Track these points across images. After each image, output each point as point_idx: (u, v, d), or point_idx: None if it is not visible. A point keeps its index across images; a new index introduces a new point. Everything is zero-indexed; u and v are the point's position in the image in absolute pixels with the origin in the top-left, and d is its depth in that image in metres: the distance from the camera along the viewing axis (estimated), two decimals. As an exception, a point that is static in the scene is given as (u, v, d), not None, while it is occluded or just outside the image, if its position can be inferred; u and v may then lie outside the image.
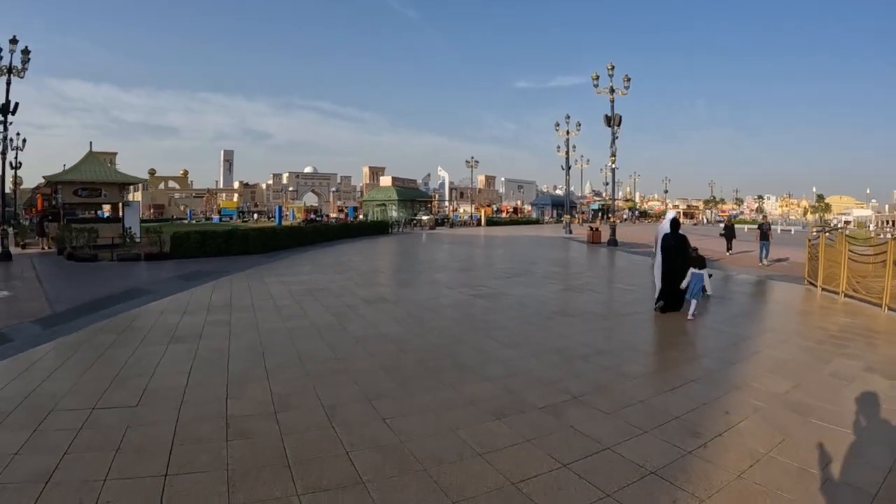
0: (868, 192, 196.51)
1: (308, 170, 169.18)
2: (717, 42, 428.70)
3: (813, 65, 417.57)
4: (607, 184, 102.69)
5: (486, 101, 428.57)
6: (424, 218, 76.67)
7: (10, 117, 31.42)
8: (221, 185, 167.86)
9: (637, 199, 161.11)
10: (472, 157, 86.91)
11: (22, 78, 31.19)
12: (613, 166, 40.88)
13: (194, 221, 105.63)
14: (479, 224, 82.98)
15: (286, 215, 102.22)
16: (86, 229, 33.15)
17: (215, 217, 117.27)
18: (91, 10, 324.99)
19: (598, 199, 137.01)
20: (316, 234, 44.42)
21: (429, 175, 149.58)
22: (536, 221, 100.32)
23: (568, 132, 59.44)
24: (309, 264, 27.22)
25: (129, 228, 34.78)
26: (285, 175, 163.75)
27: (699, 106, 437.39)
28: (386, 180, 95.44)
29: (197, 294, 17.61)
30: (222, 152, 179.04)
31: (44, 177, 40.13)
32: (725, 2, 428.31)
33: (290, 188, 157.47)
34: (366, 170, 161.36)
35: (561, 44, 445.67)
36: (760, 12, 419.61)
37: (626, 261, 29.72)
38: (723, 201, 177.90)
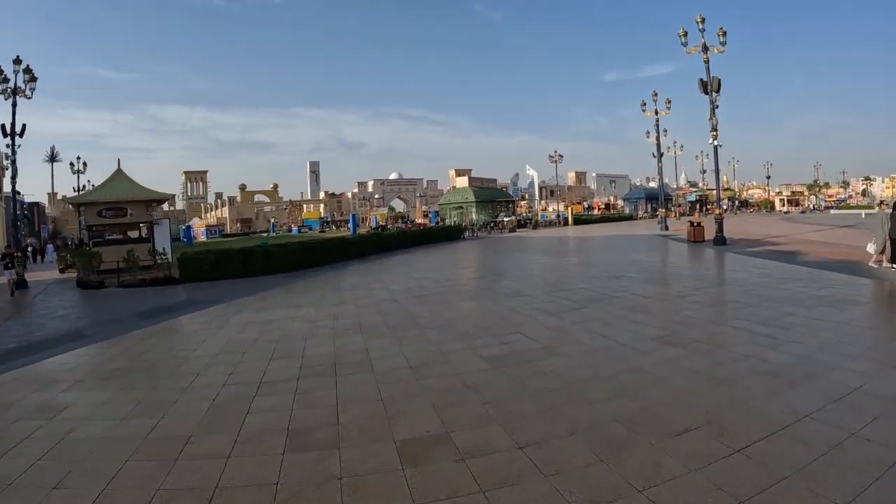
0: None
1: (393, 176, 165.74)
2: (812, 15, 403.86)
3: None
4: (704, 172, 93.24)
5: (577, 97, 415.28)
6: (505, 220, 69.11)
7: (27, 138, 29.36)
8: (308, 196, 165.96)
9: (736, 188, 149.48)
10: (556, 151, 79.08)
11: (29, 98, 29.25)
12: (716, 143, 32.26)
13: (274, 234, 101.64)
14: (565, 223, 74.59)
15: (367, 221, 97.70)
16: (87, 253, 30.58)
17: (295, 229, 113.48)
18: (184, 37, 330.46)
19: (694, 189, 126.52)
20: (366, 245, 37.99)
21: (517, 174, 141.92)
22: (629, 217, 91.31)
23: (657, 111, 50.58)
24: (321, 290, 21.60)
25: (132, 251, 29.12)
26: (370, 183, 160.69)
27: (796, 84, 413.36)
28: (462, 181, 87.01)
29: (111, 348, 13.35)
30: (308, 164, 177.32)
31: (63, 198, 36.15)
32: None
33: (376, 196, 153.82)
34: (452, 173, 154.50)
35: (646, 32, 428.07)
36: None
37: (748, 270, 20.87)
38: (827, 185, 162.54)
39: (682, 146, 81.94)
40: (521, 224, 70.87)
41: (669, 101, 50.67)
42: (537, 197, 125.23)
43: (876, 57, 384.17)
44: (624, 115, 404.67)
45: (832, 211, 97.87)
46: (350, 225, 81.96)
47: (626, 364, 9.09)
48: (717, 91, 31.24)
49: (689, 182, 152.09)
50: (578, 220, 77.20)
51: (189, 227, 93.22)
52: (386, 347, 11.19)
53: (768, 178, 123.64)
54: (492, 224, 66.97)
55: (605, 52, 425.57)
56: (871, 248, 20.02)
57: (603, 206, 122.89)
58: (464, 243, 46.13)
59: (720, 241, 30.54)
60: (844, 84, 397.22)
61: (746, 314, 12.46)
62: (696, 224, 34.13)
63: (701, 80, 31.38)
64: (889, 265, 18.85)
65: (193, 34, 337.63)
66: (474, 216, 72.38)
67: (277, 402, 8.23)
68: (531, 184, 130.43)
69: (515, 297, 16.57)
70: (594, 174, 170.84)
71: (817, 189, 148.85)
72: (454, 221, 69.64)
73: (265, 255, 28.67)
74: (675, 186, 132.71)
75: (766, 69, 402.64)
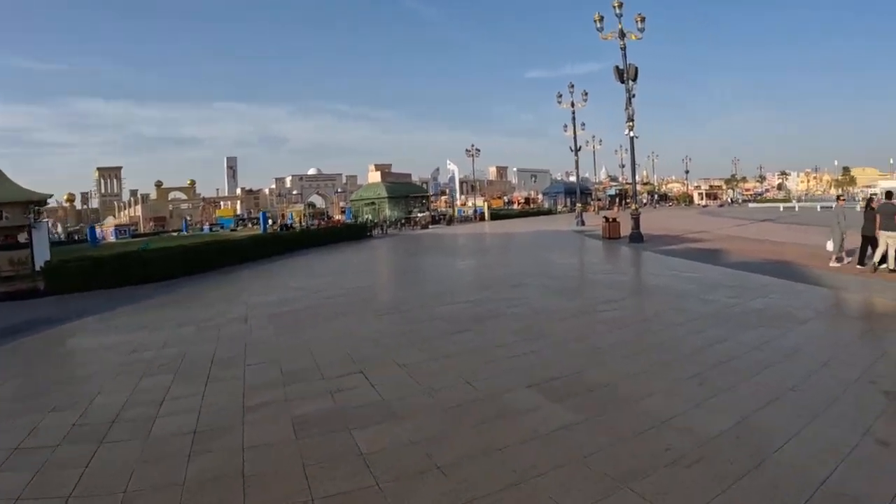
0: (892, 161, 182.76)
1: (312, 171, 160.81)
2: (736, 18, 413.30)
3: (832, 39, 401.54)
4: (623, 166, 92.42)
5: (503, 93, 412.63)
6: (419, 215, 66.22)
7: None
8: (226, 193, 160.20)
9: (655, 182, 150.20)
10: (473, 146, 76.53)
11: None
12: (632, 134, 29.99)
13: (186, 233, 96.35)
14: (482, 219, 72.11)
15: (284, 218, 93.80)
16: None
17: (206, 227, 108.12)
18: (106, 28, 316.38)
19: (614, 184, 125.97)
20: (261, 246, 34.25)
21: (437, 169, 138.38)
22: (548, 212, 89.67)
23: (573, 104, 48.27)
24: (179, 305, 18.58)
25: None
26: (288, 178, 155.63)
27: (718, 83, 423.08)
28: (375, 176, 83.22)
29: None
30: (226, 159, 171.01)
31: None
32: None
33: (294, 192, 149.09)
34: (372, 167, 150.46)
35: (569, 30, 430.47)
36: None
37: (668, 274, 18.33)
38: (744, 179, 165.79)
39: (601, 140, 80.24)
40: (436, 220, 67.81)
41: (586, 93, 48.29)
42: (458, 192, 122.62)
43: (795, 57, 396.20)
44: (548, 111, 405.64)
45: (750, 204, 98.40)
46: (260, 223, 77.75)
47: (483, 439, 6.08)
48: (634, 79, 29.00)
49: (609, 176, 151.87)
50: (496, 216, 74.62)
51: (92, 228, 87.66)
52: (187, 397, 8.25)
53: (687, 172, 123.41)
54: (403, 220, 63.77)
55: (533, 49, 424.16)
56: (830, 246, 18.33)
57: (523, 201, 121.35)
58: (370, 242, 42.76)
59: (636, 238, 28.24)
60: (765, 83, 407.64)
61: (665, 341, 9.74)
62: (611, 220, 31.77)
63: (617, 67, 29.03)
64: (858, 265, 17.11)
65: (119, 25, 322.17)
66: (388, 212, 69.40)
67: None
68: (452, 178, 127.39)
69: (388, 314, 13.67)
70: (515, 169, 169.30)
71: (735, 183, 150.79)
72: (367, 218, 66.47)
73: (141, 261, 25.13)
74: (597, 180, 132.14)
75: (690, 69, 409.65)
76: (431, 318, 12.71)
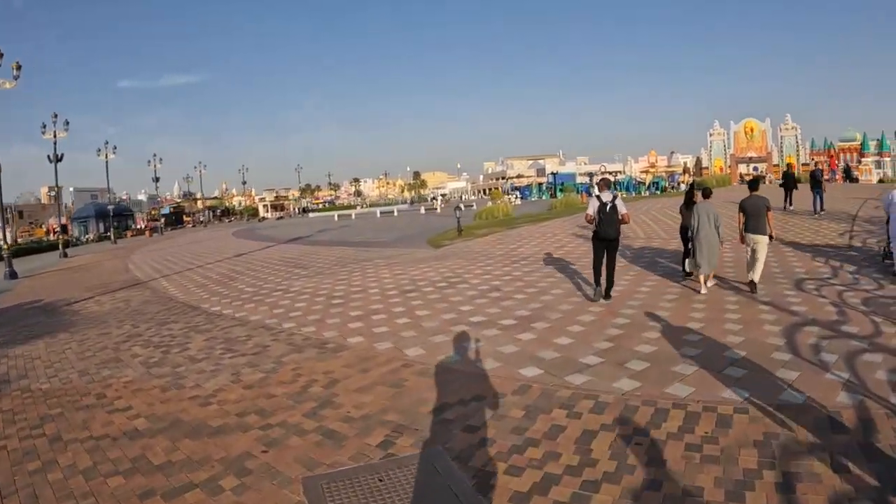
0: (459, 166, 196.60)
1: None
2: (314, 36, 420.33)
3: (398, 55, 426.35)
4: (158, 179, 78.38)
5: (85, 103, 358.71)
6: None
7: None
8: None
9: (223, 196, 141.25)
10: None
11: None
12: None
13: None
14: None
15: None
16: None
17: None
18: None
19: (178, 200, 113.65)
20: None
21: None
22: (68, 244, 73.48)
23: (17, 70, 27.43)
24: None
25: None
26: None
27: (308, 103, 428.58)
28: None
29: None
30: None
31: None
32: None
33: None
34: None
35: (168, 40, 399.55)
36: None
37: None
38: (318, 188, 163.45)
39: (115, 147, 63.72)
40: None
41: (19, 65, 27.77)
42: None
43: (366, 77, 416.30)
44: (140, 123, 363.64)
45: (311, 214, 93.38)
46: None
47: None
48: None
49: (184, 194, 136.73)
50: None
51: None
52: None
53: (244, 183, 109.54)
54: None
55: (126, 55, 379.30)
56: (695, 266, 11.74)
57: (59, 230, 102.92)
58: None
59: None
60: (346, 101, 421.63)
61: None
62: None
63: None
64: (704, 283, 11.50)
65: None
66: None
67: None
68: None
69: None
70: (72, 189, 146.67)
71: (309, 192, 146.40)
72: None
73: None
74: (171, 197, 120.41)
75: (283, 90, 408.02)
76: None
